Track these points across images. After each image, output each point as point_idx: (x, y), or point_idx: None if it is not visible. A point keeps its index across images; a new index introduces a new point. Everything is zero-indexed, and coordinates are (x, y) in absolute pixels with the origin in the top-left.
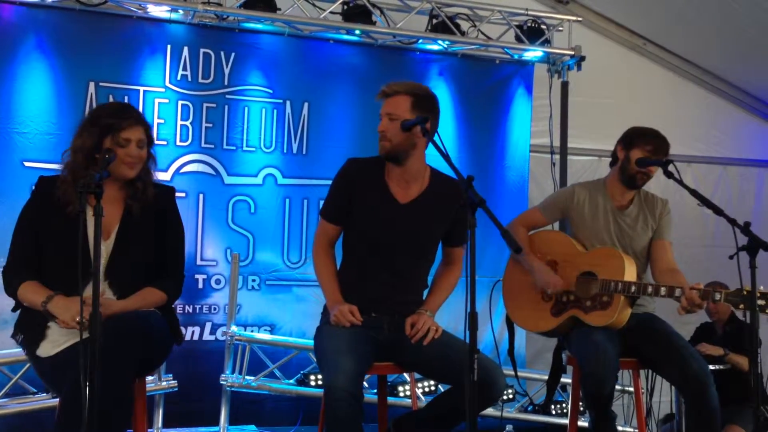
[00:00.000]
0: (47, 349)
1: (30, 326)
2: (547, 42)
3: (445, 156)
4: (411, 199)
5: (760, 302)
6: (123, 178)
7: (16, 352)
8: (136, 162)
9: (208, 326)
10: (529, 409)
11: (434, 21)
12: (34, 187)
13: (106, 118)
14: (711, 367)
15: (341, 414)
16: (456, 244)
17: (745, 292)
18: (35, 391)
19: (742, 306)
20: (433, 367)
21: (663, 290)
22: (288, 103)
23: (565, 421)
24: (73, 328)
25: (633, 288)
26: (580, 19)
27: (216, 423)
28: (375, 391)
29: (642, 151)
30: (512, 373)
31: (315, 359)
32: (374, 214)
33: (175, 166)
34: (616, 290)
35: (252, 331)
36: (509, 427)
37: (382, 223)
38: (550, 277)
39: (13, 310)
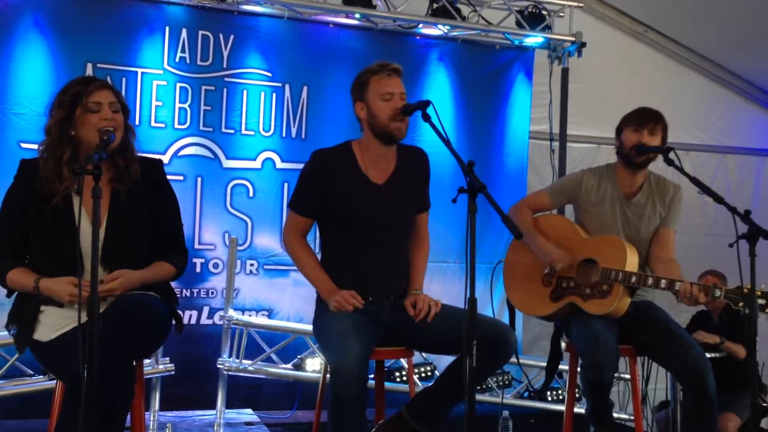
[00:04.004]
0: (47, 333)
1: (23, 315)
2: (548, 28)
3: (446, 141)
4: (387, 178)
5: (761, 301)
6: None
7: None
8: (113, 125)
9: (205, 310)
10: (525, 395)
11: (435, 5)
12: (16, 171)
13: (73, 88)
14: (707, 355)
15: (350, 396)
16: (422, 210)
17: (745, 290)
18: (32, 373)
19: (741, 305)
20: (441, 341)
21: (663, 283)
22: (287, 86)
23: (562, 407)
24: (73, 300)
25: (633, 278)
26: (581, 5)
27: (213, 407)
28: (372, 375)
29: (628, 129)
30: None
31: (317, 343)
32: (354, 200)
33: (173, 149)
34: (617, 279)
35: (249, 316)
36: (506, 412)
37: (366, 209)
38: (555, 252)
39: (8, 296)
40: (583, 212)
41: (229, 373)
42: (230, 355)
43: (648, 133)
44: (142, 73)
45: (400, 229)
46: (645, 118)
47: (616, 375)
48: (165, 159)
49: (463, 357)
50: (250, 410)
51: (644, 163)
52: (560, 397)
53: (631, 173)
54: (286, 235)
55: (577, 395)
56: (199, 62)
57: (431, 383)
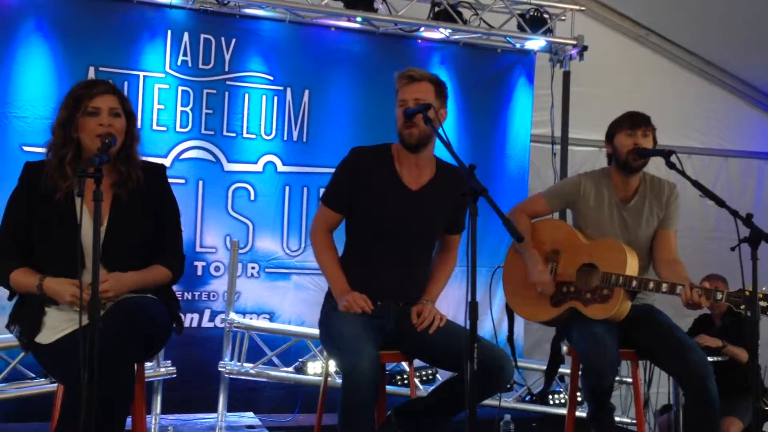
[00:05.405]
0: (47, 335)
1: (26, 316)
2: (550, 31)
3: (447, 144)
4: (421, 186)
5: (762, 304)
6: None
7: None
8: (110, 131)
9: (207, 313)
10: (527, 399)
11: (436, 9)
12: (21, 173)
13: (77, 91)
14: (709, 358)
15: (364, 399)
16: (454, 232)
17: (747, 293)
18: (33, 376)
19: (743, 307)
20: (438, 356)
21: (665, 287)
22: (288, 90)
23: (563, 411)
24: (74, 301)
25: (634, 282)
26: (582, 8)
27: (214, 410)
28: None
29: (622, 134)
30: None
31: (323, 341)
32: (386, 201)
33: (175, 152)
34: (617, 284)
35: (251, 319)
36: (507, 416)
37: (395, 211)
38: (541, 277)
39: (9, 298)
40: (582, 217)
41: (231, 376)
42: (231, 359)
43: (642, 135)
44: (144, 76)
45: (422, 239)
46: (637, 122)
47: (617, 379)
48: (166, 162)
49: (464, 361)
50: (251, 413)
51: (642, 167)
52: (562, 400)
53: (626, 177)
54: (314, 227)
55: (578, 399)
56: (200, 66)
57: (431, 388)
